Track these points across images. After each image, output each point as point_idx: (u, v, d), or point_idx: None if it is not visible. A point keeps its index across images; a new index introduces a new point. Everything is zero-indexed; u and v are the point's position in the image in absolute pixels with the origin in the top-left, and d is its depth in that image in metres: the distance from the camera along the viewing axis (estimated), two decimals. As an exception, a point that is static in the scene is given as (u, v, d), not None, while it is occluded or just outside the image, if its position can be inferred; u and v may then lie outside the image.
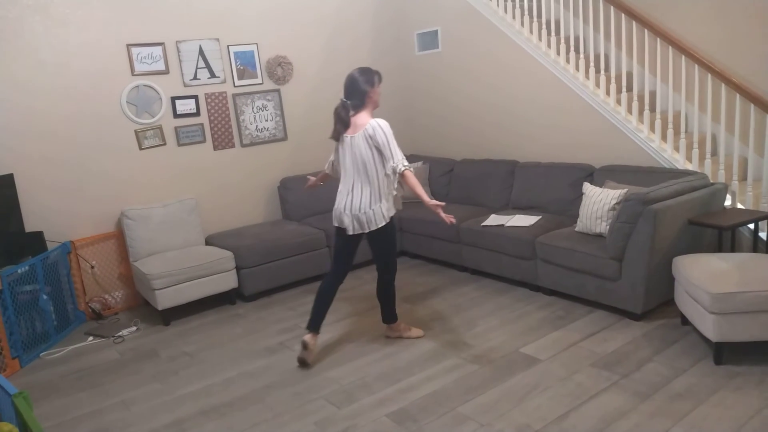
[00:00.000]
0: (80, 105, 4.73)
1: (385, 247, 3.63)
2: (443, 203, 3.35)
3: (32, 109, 4.54)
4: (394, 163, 3.36)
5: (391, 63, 6.52)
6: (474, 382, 3.27)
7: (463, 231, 4.92)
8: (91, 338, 4.45)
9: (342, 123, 3.51)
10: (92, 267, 4.89)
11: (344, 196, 3.54)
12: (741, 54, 4.65)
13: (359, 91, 3.47)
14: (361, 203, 3.45)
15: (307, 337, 3.61)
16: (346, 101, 3.51)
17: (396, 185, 3.48)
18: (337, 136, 3.56)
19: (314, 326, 3.65)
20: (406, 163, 3.38)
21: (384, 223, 3.47)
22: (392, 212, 3.53)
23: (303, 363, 3.62)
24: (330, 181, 3.98)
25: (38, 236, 4.47)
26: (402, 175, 3.36)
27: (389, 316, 3.85)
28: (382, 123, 3.40)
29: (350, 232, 3.51)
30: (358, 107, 3.49)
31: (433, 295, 4.64)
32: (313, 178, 3.94)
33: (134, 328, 4.55)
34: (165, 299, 4.48)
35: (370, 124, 3.39)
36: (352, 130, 3.47)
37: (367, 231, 3.48)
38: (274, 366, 3.70)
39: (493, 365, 3.43)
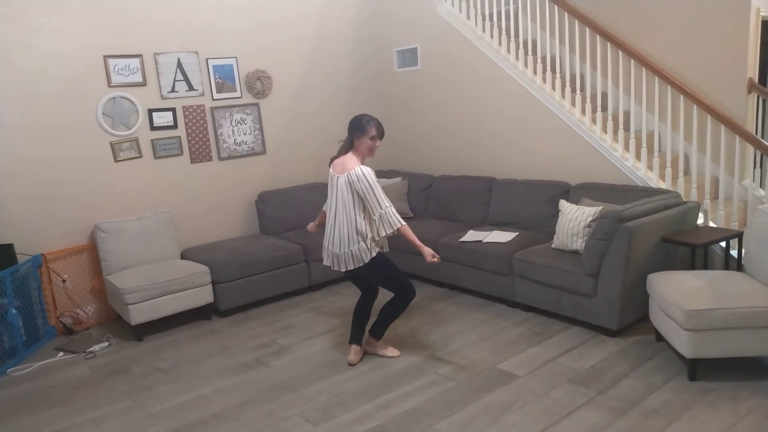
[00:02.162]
0: (54, 116, 4.66)
1: (382, 278, 3.61)
2: (438, 257, 3.46)
3: (4, 119, 4.46)
4: (382, 210, 3.38)
5: (371, 79, 6.55)
6: (451, 398, 3.26)
7: (441, 246, 4.94)
8: (61, 354, 4.34)
9: (340, 156, 3.58)
10: (64, 281, 4.78)
11: (327, 232, 3.60)
12: (712, 76, 4.78)
13: (351, 132, 3.54)
14: (341, 242, 3.49)
15: (350, 356, 3.79)
16: (351, 139, 3.58)
17: (382, 234, 3.44)
18: (330, 164, 3.63)
19: (354, 339, 3.83)
20: (400, 218, 3.41)
21: (360, 264, 3.48)
22: (374, 253, 3.50)
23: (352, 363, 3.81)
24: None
25: (8, 249, 4.37)
26: (399, 231, 3.40)
27: (378, 330, 3.80)
28: (366, 171, 3.40)
29: (332, 267, 3.59)
30: (347, 148, 3.55)
31: (410, 311, 4.63)
32: (312, 223, 3.98)
33: (106, 344, 4.45)
34: (138, 314, 4.40)
35: (354, 170, 3.42)
36: (340, 170, 3.51)
37: (344, 270, 3.53)
38: (249, 382, 3.65)
39: (470, 381, 3.43)
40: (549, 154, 5.12)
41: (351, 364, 3.77)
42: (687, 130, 4.76)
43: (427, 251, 3.43)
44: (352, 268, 3.50)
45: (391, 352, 3.85)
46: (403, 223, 3.43)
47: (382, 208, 3.39)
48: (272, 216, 5.64)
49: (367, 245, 3.46)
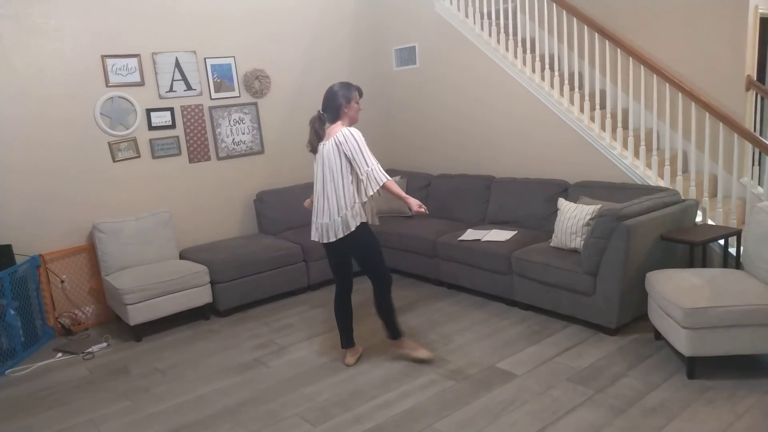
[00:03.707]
0: (53, 116, 4.65)
1: (366, 254, 3.54)
2: (425, 207, 3.39)
3: (1, 119, 4.45)
4: (368, 168, 3.35)
5: (369, 78, 6.55)
6: (450, 398, 3.26)
7: (439, 245, 4.93)
8: (60, 354, 4.34)
9: (316, 135, 3.54)
10: (62, 281, 4.78)
11: (316, 204, 3.56)
12: (710, 74, 4.78)
13: (335, 105, 3.49)
14: (330, 211, 3.45)
15: (347, 359, 3.77)
16: (322, 114, 3.53)
17: (369, 194, 3.40)
18: (313, 149, 3.57)
19: (346, 343, 3.79)
20: (385, 174, 3.37)
21: (349, 231, 3.43)
22: (362, 219, 3.47)
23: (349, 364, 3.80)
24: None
25: (6, 249, 4.36)
26: (384, 186, 3.35)
27: (392, 331, 3.70)
28: (354, 131, 3.40)
29: (320, 240, 3.54)
30: (333, 120, 3.52)
31: (409, 310, 4.63)
32: (308, 200, 3.88)
33: (105, 344, 4.45)
34: (137, 314, 4.40)
35: (341, 131, 3.40)
36: (326, 138, 3.50)
37: (333, 239, 3.46)
38: (248, 383, 3.65)
39: (469, 381, 3.43)
40: (547, 152, 5.11)
41: (349, 366, 3.77)
42: (685, 127, 4.75)
43: (413, 201, 3.38)
44: (341, 235, 3.44)
45: (423, 353, 3.68)
46: (389, 177, 3.38)
47: (368, 166, 3.35)
48: (271, 215, 5.64)
49: (356, 211, 3.42)
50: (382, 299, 3.63)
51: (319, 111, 3.55)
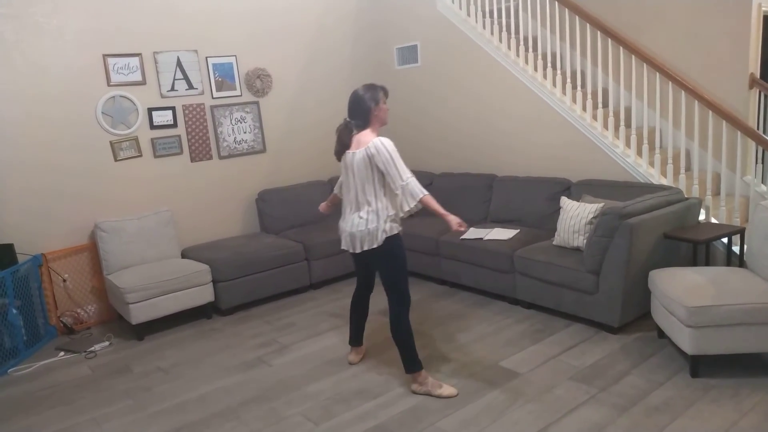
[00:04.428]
0: (54, 115, 4.65)
1: (389, 271, 3.29)
2: (465, 225, 3.21)
3: (3, 119, 4.45)
4: (403, 182, 3.13)
5: (371, 77, 6.53)
6: (453, 396, 3.25)
7: (441, 244, 4.93)
8: (62, 353, 4.34)
9: (341, 144, 3.33)
10: (64, 280, 4.78)
11: (345, 214, 3.38)
12: (713, 72, 4.76)
13: (363, 108, 3.27)
14: (360, 222, 3.24)
15: (350, 356, 3.78)
16: (349, 122, 3.31)
17: (406, 209, 3.18)
18: (338, 156, 3.38)
19: (354, 341, 3.77)
20: (422, 188, 3.16)
21: (379, 244, 3.22)
22: (394, 232, 3.26)
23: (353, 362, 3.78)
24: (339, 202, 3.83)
25: (8, 249, 4.36)
26: (421, 201, 3.13)
27: (408, 362, 3.32)
28: (386, 142, 3.17)
29: (349, 250, 3.36)
30: (362, 126, 3.29)
31: (411, 309, 4.61)
32: (324, 203, 3.80)
33: (107, 343, 4.45)
34: (139, 313, 4.40)
35: (373, 142, 3.18)
36: (355, 146, 3.27)
37: (359, 251, 3.28)
38: (250, 381, 3.64)
39: (472, 379, 3.42)
40: (550, 150, 5.10)
41: (351, 364, 3.76)
42: (688, 126, 4.74)
43: (453, 219, 3.17)
44: (367, 248, 3.25)
45: (448, 391, 3.28)
46: (426, 192, 3.15)
47: (404, 180, 3.13)
48: (272, 214, 5.63)
49: (387, 224, 3.23)
50: (399, 322, 3.29)
51: (345, 119, 3.34)
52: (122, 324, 4.85)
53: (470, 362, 3.64)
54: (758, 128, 4.85)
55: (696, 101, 4.25)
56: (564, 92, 5.04)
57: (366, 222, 3.23)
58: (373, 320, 4.41)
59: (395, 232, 3.28)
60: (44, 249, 4.69)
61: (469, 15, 5.58)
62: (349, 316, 3.77)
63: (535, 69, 5.17)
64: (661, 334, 3.74)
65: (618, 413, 2.95)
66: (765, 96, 4.82)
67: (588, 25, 4.77)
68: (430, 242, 5.03)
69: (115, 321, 4.96)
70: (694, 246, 3.88)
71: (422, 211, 3.25)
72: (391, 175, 3.17)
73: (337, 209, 3.78)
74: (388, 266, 3.30)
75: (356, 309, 3.72)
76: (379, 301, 4.82)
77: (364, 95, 3.28)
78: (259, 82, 5.69)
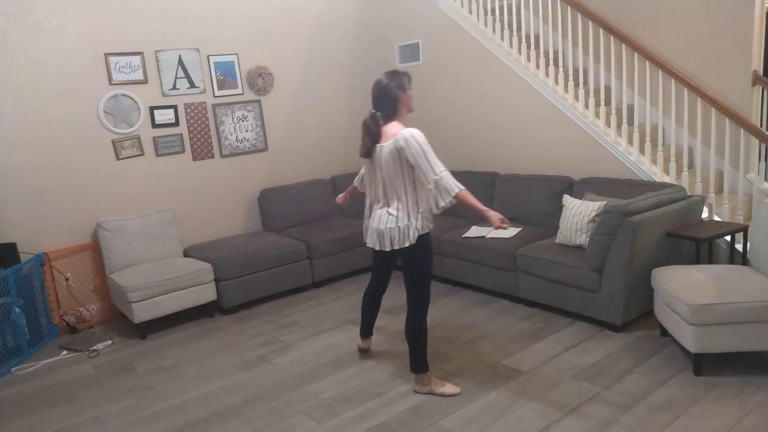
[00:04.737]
0: (56, 114, 4.65)
1: (415, 272, 3.16)
2: (508, 222, 3.00)
3: (5, 118, 4.45)
4: (436, 176, 2.92)
5: (373, 75, 6.49)
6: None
7: (444, 242, 4.92)
8: (65, 352, 4.35)
9: (371, 137, 3.10)
10: (67, 279, 4.78)
11: (371, 210, 3.24)
12: (716, 69, 4.74)
13: (390, 97, 3.09)
14: (390, 219, 3.07)
15: (360, 343, 3.76)
16: (375, 113, 3.11)
17: (441, 205, 2.97)
18: (368, 152, 3.14)
19: (365, 333, 3.74)
20: (457, 183, 2.94)
21: (409, 243, 3.07)
22: (425, 230, 3.10)
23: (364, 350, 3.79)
24: (358, 196, 3.84)
25: (11, 248, 4.37)
26: (457, 197, 2.91)
27: (416, 362, 3.25)
28: (416, 134, 2.97)
29: (374, 247, 3.21)
30: (390, 116, 3.11)
31: (414, 307, 4.61)
32: (342, 195, 3.68)
33: (110, 342, 4.45)
34: (141, 312, 4.40)
35: (402, 134, 2.99)
36: (383, 139, 3.09)
37: (388, 249, 3.12)
38: (253, 380, 3.64)
39: (475, 378, 3.42)
40: (552, 148, 5.09)
41: (359, 347, 3.73)
42: (691, 123, 4.72)
43: (494, 215, 2.95)
44: (398, 247, 3.07)
45: (450, 389, 3.26)
46: (462, 187, 2.92)
47: (437, 174, 2.91)
48: (275, 213, 5.63)
49: (420, 221, 3.06)
50: (417, 322, 3.20)
51: (371, 111, 3.15)
52: (125, 323, 4.85)
53: (473, 361, 3.63)
54: (761, 125, 4.83)
55: (698, 98, 4.24)
56: (566, 90, 5.03)
57: (396, 219, 3.06)
58: (378, 318, 4.38)
59: (427, 230, 3.13)
60: (47, 248, 4.70)
61: (470, 12, 5.57)
62: (361, 309, 3.70)
63: (537, 66, 5.16)
64: (664, 332, 3.73)
65: (621, 412, 2.95)
66: (768, 93, 4.80)
67: (590, 22, 4.76)
68: (432, 241, 5.01)
69: (118, 320, 4.96)
70: (696, 244, 3.87)
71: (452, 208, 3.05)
72: (422, 169, 2.95)
73: (354, 201, 3.66)
74: (416, 266, 3.16)
75: (369, 305, 3.65)
76: (385, 298, 4.82)
77: (389, 83, 3.10)
78: (260, 81, 5.68)
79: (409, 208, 3.07)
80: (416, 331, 3.21)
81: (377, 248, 3.18)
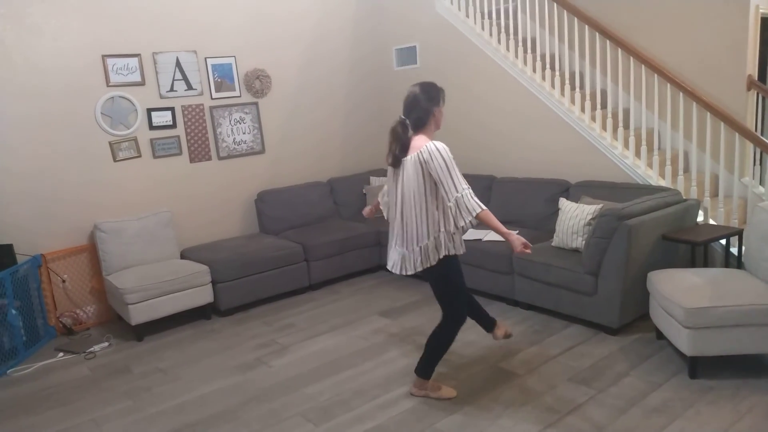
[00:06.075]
0: (53, 116, 4.65)
1: (444, 290, 3.08)
2: (531, 248, 2.92)
3: (2, 119, 4.45)
4: (458, 194, 2.81)
5: (370, 78, 6.55)
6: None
7: (441, 245, 4.92)
8: (61, 354, 4.34)
9: (400, 144, 2.96)
10: (63, 281, 4.78)
11: (392, 229, 3.11)
12: (711, 74, 4.77)
13: (424, 109, 2.97)
14: (408, 239, 2.98)
15: (494, 337, 3.53)
16: (404, 119, 2.98)
17: (460, 225, 2.87)
18: (396, 161, 3.00)
19: (488, 327, 3.52)
20: (479, 202, 2.83)
21: (429, 264, 2.98)
22: (447, 252, 2.97)
23: (507, 336, 3.54)
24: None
25: (8, 249, 4.36)
26: (478, 217, 2.81)
27: (425, 367, 3.22)
28: (441, 147, 2.84)
29: (394, 271, 3.10)
30: (419, 128, 2.99)
31: (411, 310, 4.63)
32: (368, 207, 3.53)
33: (106, 344, 4.45)
34: (138, 314, 4.40)
35: (426, 147, 2.87)
36: (408, 152, 2.98)
37: (410, 272, 3.02)
38: (250, 382, 3.64)
39: (470, 381, 3.43)
40: (548, 152, 5.11)
41: (503, 337, 3.52)
42: (687, 127, 4.75)
43: (516, 239, 2.85)
44: (419, 268, 2.97)
45: (447, 392, 3.25)
46: (484, 207, 2.81)
47: (458, 192, 2.80)
48: (272, 215, 5.64)
49: (440, 241, 2.94)
50: (444, 333, 3.13)
51: (401, 116, 3.01)
52: (121, 325, 4.85)
53: (469, 363, 3.64)
54: (756, 130, 4.87)
55: (694, 103, 4.27)
56: (563, 93, 5.05)
57: (416, 239, 2.96)
58: (375, 320, 4.42)
59: (452, 252, 2.99)
60: (43, 249, 4.69)
61: (468, 16, 5.59)
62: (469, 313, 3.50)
63: (534, 70, 5.18)
64: (660, 335, 3.75)
65: (617, 414, 2.96)
66: (763, 98, 4.83)
67: (587, 26, 4.78)
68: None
69: (115, 322, 4.96)
70: (692, 247, 3.89)
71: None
72: (445, 185, 2.83)
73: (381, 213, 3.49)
74: (441, 285, 3.08)
75: (470, 306, 3.47)
76: (383, 300, 4.83)
77: (423, 95, 2.98)
78: (258, 83, 5.69)
79: (429, 226, 2.94)
80: (439, 340, 3.15)
81: (398, 273, 3.08)
